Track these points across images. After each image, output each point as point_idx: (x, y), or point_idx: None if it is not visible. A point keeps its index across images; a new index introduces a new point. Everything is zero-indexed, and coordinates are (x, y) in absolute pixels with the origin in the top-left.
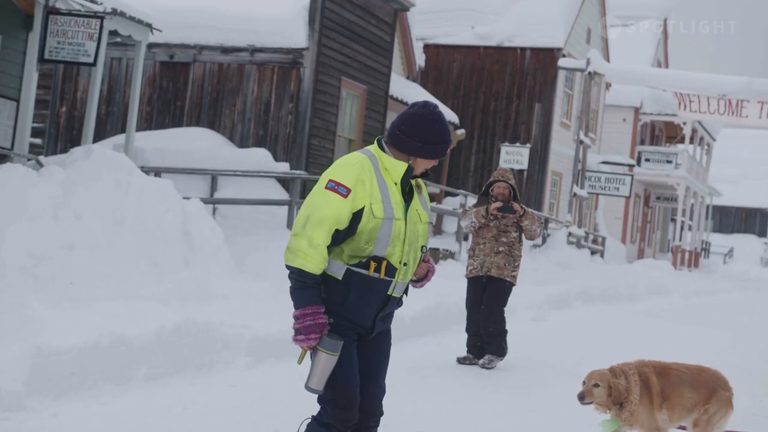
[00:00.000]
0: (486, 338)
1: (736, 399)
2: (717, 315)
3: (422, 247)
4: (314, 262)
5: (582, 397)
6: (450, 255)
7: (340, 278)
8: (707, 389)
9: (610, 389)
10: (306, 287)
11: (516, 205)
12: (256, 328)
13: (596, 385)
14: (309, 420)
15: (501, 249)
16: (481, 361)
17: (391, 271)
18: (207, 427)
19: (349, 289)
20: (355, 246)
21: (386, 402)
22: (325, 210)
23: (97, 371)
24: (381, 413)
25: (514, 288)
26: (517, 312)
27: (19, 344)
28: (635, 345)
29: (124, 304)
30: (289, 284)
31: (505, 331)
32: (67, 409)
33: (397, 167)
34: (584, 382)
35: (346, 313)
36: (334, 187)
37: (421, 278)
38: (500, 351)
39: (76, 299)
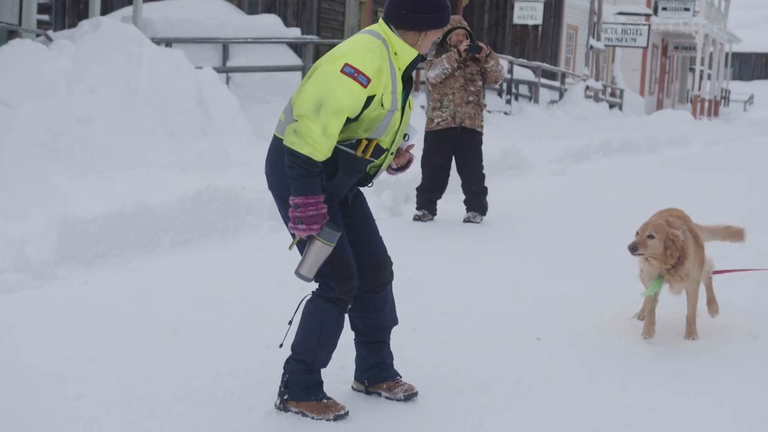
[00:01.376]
0: (468, 196)
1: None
2: (738, 161)
3: (405, 135)
4: (323, 151)
5: (634, 249)
6: None
7: (329, 155)
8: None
9: (668, 242)
10: (311, 175)
11: (481, 44)
12: None
13: (651, 237)
14: (309, 297)
15: (470, 99)
16: (465, 216)
17: (378, 152)
18: (235, 286)
19: (336, 167)
20: (351, 130)
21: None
22: (344, 99)
23: (124, 239)
24: (390, 261)
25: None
26: (536, 166)
27: (45, 215)
28: (658, 194)
29: (145, 174)
30: (290, 168)
31: (486, 188)
32: (97, 276)
33: (406, 53)
34: (637, 233)
35: (331, 188)
36: (354, 74)
37: (401, 167)
38: (483, 209)
39: (96, 171)
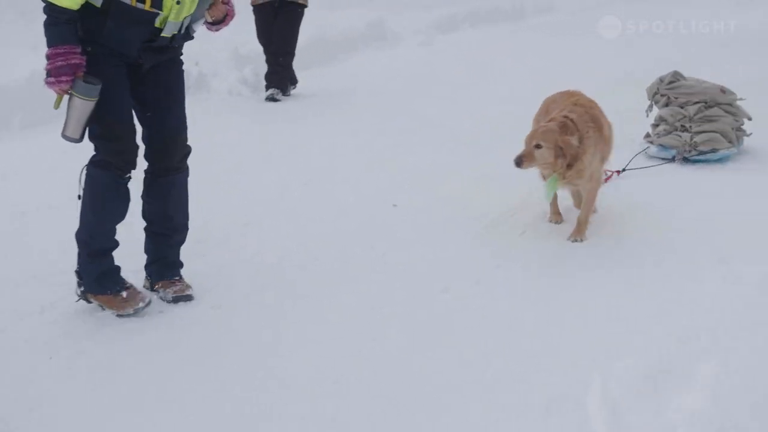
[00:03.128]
0: (271, 68)
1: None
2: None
3: None
4: None
5: (519, 163)
6: None
7: (99, 5)
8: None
9: (558, 150)
10: (59, 23)
11: None
12: None
13: (539, 146)
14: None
15: None
16: (267, 94)
17: (158, 3)
18: None
19: (106, 18)
20: None
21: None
22: None
23: None
24: (183, 146)
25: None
26: (403, 38)
27: None
28: (525, 60)
29: None
30: (45, 19)
31: (291, 67)
32: None
33: None
34: (526, 143)
35: (106, 41)
36: None
37: (218, 21)
38: (285, 86)
39: None
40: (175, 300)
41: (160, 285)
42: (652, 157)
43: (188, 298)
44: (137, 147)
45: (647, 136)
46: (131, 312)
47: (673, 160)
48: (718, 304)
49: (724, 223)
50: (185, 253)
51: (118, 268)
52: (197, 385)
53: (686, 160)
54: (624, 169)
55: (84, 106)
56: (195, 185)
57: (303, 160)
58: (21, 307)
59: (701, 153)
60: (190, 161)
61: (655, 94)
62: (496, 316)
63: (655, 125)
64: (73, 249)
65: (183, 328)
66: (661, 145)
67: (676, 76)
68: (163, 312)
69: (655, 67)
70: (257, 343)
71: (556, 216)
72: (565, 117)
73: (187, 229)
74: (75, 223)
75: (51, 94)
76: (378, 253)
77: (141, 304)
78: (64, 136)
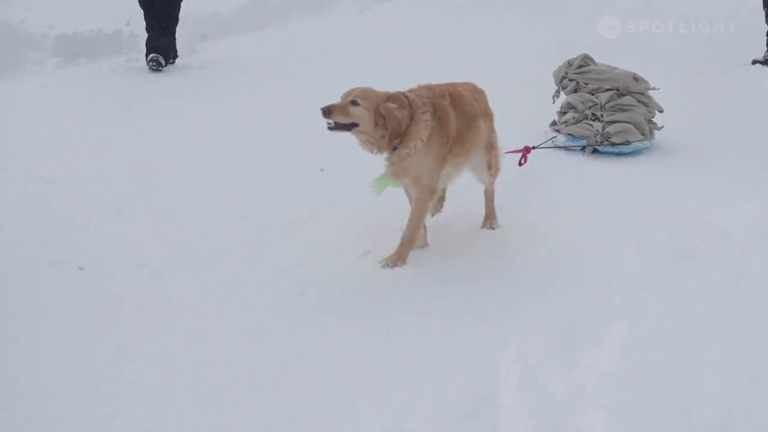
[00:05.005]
0: (151, 33)
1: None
2: None
3: None
4: None
5: (327, 112)
6: None
7: None
8: (487, 114)
9: (378, 117)
10: None
11: None
12: (63, 26)
13: (355, 103)
14: None
15: None
16: (149, 59)
17: None
18: (21, 123)
19: None
20: None
21: None
22: None
23: None
24: None
25: None
26: (341, 4)
27: None
28: (450, 31)
29: None
30: None
31: (174, 35)
32: None
33: None
34: (342, 97)
35: None
36: None
37: None
38: (169, 53)
39: None
40: None
41: None
42: (559, 147)
43: None
44: None
45: (553, 123)
46: None
47: (583, 150)
48: (631, 270)
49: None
50: None
51: None
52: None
53: (596, 151)
54: (534, 147)
55: None
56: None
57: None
58: None
59: (613, 144)
60: None
61: (563, 78)
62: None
63: (563, 113)
64: None
65: None
66: (570, 134)
67: (585, 60)
68: None
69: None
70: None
71: (437, 204)
72: (408, 92)
73: None
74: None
75: None
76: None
77: None
78: None
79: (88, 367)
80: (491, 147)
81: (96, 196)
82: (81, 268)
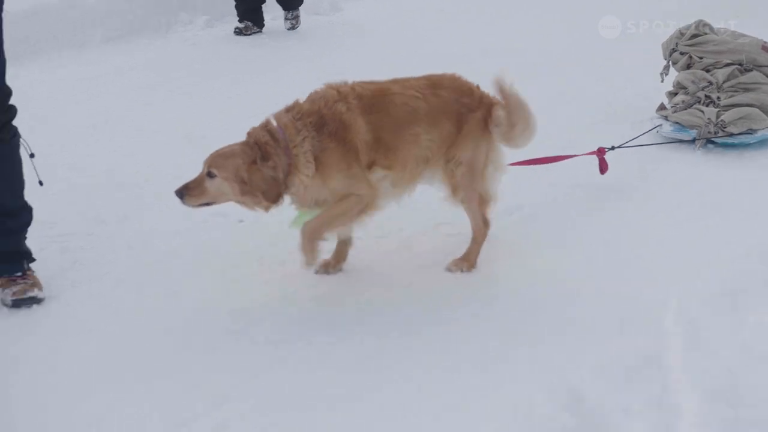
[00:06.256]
0: None
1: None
2: None
3: None
4: None
5: (181, 195)
6: None
7: None
8: (452, 120)
9: (243, 183)
10: None
11: None
12: None
13: (211, 175)
14: None
15: None
16: (237, 26)
17: None
18: (168, 80)
19: None
20: None
21: None
22: None
23: (52, 35)
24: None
25: None
26: None
27: None
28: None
29: None
30: None
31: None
32: (25, 72)
33: None
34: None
35: None
36: None
37: None
38: (259, 19)
39: None
40: (15, 304)
41: (0, 282)
42: (665, 138)
43: (33, 300)
44: None
45: (661, 108)
46: None
47: (693, 143)
48: None
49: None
50: None
51: None
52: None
53: (710, 142)
54: (613, 147)
55: None
56: None
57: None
58: None
59: (732, 135)
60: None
61: (673, 51)
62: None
63: (673, 93)
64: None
65: None
66: (677, 122)
67: (701, 29)
68: None
69: None
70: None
71: (326, 265)
72: (268, 130)
73: (25, 212)
74: (149, 126)
75: (131, 11)
76: None
77: None
78: None
79: None
80: (458, 165)
81: None
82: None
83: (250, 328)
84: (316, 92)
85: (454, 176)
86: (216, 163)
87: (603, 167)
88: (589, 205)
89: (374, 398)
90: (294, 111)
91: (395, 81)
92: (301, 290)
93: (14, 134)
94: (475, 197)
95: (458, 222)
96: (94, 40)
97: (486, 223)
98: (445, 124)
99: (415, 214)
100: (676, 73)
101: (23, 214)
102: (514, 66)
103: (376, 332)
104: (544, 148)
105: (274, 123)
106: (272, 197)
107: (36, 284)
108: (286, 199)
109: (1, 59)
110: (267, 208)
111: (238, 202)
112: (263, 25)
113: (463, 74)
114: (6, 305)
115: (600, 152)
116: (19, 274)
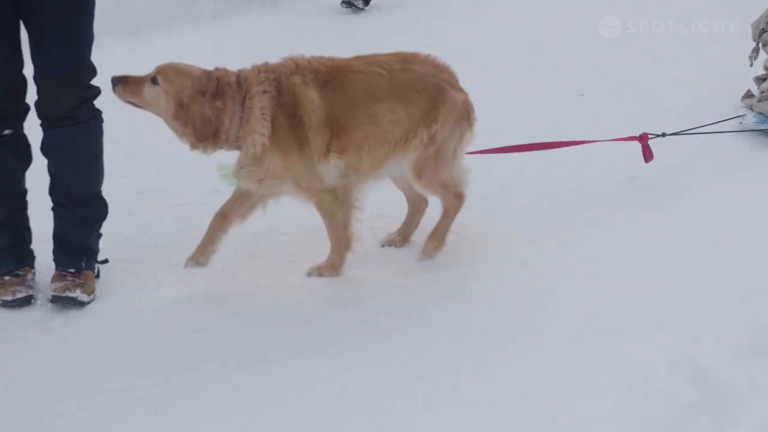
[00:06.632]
0: None
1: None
2: None
3: None
4: None
5: (115, 83)
6: None
7: None
8: (426, 96)
9: (180, 108)
10: None
11: None
12: None
13: (155, 81)
14: None
15: None
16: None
17: None
18: (276, 52)
19: None
20: None
21: None
22: None
23: (166, 8)
24: (81, 92)
25: None
26: None
27: None
28: None
29: None
30: None
31: None
32: (140, 45)
33: None
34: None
35: None
36: None
37: None
38: None
39: None
40: (54, 300)
41: (53, 275)
42: (747, 129)
43: (72, 301)
44: (11, 99)
45: (748, 96)
46: (7, 299)
47: None
48: None
49: None
50: None
51: (16, 246)
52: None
53: None
54: (664, 134)
55: None
56: None
57: None
58: None
59: None
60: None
61: (763, 32)
62: None
63: (761, 79)
64: None
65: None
66: (761, 113)
67: None
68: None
69: None
70: None
71: (198, 254)
72: (237, 75)
73: (99, 205)
74: None
75: None
76: None
77: (18, 295)
78: None
79: None
80: (429, 146)
81: None
82: None
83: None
84: (276, 62)
85: (421, 156)
86: (165, 72)
87: (647, 155)
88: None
89: (501, 362)
90: (261, 67)
91: (359, 57)
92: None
93: (94, 117)
94: (439, 186)
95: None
96: (204, 14)
97: (459, 196)
98: (417, 100)
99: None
100: (766, 56)
101: (96, 207)
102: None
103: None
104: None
105: (245, 73)
106: (200, 136)
107: (83, 286)
108: (220, 151)
109: (89, 36)
110: (192, 146)
111: (167, 122)
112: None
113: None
114: (49, 300)
115: (643, 138)
116: (72, 270)
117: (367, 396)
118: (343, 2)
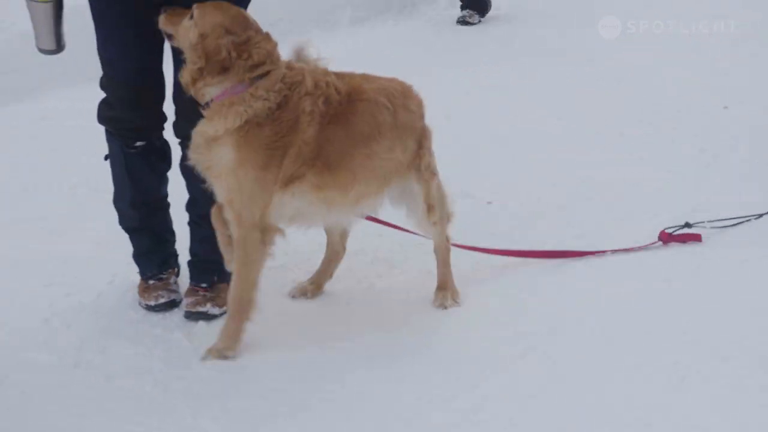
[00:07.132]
0: None
1: None
2: None
3: None
4: None
5: (162, 12)
6: None
7: None
8: (415, 136)
9: (204, 37)
10: None
11: None
12: None
13: (191, 17)
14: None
15: None
16: (460, 15)
17: None
18: (412, 59)
19: None
20: None
21: None
22: None
23: (304, 16)
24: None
25: None
26: None
27: None
28: None
29: None
30: None
31: None
32: (281, 52)
33: None
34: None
35: None
36: None
37: None
38: (483, 6)
39: None
40: (187, 316)
41: (186, 290)
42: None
43: (202, 316)
44: (143, 112)
45: None
46: (150, 304)
47: None
48: None
49: None
50: None
51: (157, 251)
52: None
53: None
54: (689, 225)
55: (36, 10)
56: None
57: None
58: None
59: None
60: None
61: None
62: None
63: None
64: None
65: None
66: None
67: None
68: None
69: None
70: None
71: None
72: (289, 61)
73: None
74: None
75: None
76: None
77: (160, 300)
78: (39, 49)
79: None
80: (429, 177)
81: None
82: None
83: None
84: (301, 68)
85: (429, 189)
86: (203, 7)
87: (685, 238)
88: None
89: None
90: (287, 70)
91: (367, 78)
92: None
93: None
94: (444, 217)
95: None
96: (342, 21)
97: (449, 239)
98: (409, 141)
99: None
100: None
101: None
102: None
103: None
104: None
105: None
106: (210, 72)
107: (215, 300)
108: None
109: None
110: (190, 80)
111: (186, 54)
112: (488, 10)
113: None
114: (184, 316)
115: (662, 238)
116: (204, 285)
117: None
118: (458, 21)
